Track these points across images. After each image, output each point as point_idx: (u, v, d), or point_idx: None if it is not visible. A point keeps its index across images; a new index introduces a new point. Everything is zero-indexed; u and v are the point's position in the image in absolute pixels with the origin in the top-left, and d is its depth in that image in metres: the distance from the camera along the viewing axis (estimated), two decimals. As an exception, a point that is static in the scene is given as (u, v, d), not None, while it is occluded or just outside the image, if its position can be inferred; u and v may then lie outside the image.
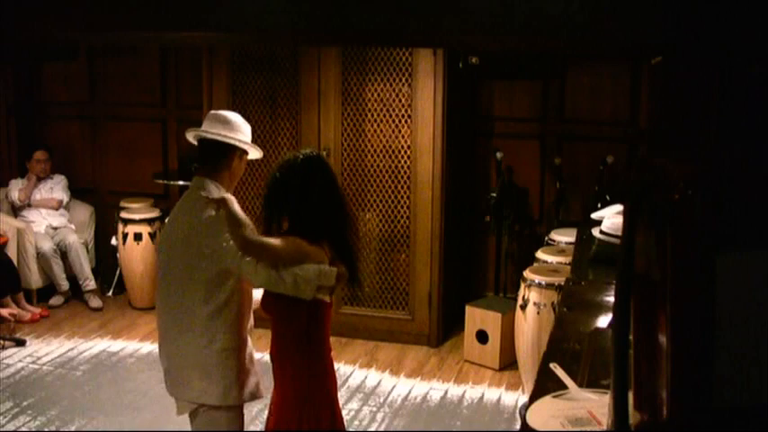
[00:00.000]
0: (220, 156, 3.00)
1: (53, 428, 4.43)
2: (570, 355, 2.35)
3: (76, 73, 6.98)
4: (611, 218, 3.48)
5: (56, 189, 6.67)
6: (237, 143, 3.01)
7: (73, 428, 4.44)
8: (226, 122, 3.03)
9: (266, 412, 3.07)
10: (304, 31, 3.29)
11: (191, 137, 3.10)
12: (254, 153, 3.11)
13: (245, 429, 3.08)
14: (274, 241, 2.78)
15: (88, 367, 5.28)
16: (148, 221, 6.28)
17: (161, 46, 6.61)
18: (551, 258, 4.90)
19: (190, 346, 2.88)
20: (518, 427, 3.24)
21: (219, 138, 2.99)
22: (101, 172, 7.06)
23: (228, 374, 2.88)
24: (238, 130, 3.04)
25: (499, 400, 4.86)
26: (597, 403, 1.88)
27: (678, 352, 1.12)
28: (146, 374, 5.15)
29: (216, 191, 2.91)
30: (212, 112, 3.15)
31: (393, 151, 5.57)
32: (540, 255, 5.01)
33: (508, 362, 5.21)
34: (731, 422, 1.12)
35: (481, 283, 6.24)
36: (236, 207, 2.76)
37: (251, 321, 3.04)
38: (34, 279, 6.32)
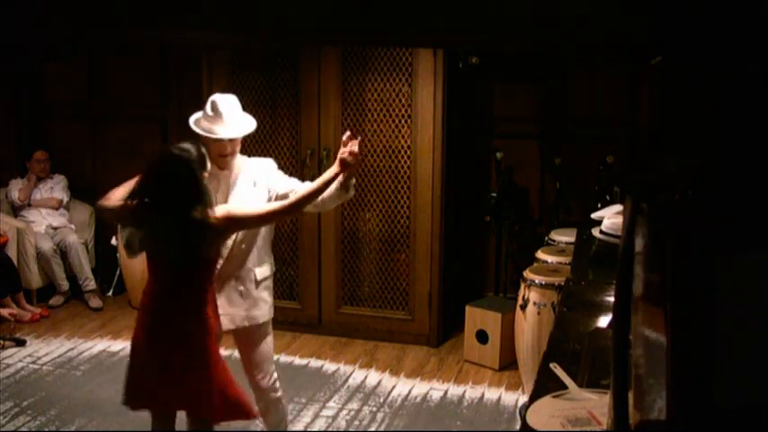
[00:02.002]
0: None
1: (53, 428, 4.43)
2: (570, 355, 2.35)
3: (76, 73, 6.98)
4: (611, 218, 3.47)
5: (56, 189, 6.67)
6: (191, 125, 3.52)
7: (73, 428, 4.44)
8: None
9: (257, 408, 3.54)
10: (304, 31, 3.29)
11: None
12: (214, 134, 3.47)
13: None
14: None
15: (88, 367, 5.28)
16: (148, 221, 6.27)
17: (161, 46, 6.61)
18: (551, 258, 4.90)
19: None
20: (518, 427, 3.23)
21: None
22: (101, 172, 7.05)
23: None
24: (202, 110, 3.50)
25: (499, 400, 4.86)
26: (597, 403, 1.88)
27: (678, 352, 1.12)
28: (146, 374, 5.14)
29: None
30: None
31: (393, 151, 5.57)
32: (540, 255, 5.01)
33: (508, 362, 5.21)
34: (731, 422, 1.12)
35: (481, 283, 6.24)
36: None
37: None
38: (34, 279, 6.33)
